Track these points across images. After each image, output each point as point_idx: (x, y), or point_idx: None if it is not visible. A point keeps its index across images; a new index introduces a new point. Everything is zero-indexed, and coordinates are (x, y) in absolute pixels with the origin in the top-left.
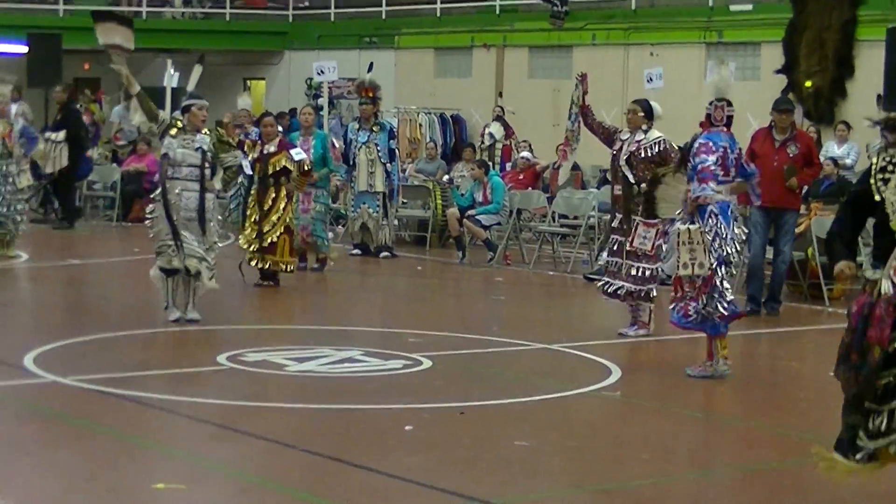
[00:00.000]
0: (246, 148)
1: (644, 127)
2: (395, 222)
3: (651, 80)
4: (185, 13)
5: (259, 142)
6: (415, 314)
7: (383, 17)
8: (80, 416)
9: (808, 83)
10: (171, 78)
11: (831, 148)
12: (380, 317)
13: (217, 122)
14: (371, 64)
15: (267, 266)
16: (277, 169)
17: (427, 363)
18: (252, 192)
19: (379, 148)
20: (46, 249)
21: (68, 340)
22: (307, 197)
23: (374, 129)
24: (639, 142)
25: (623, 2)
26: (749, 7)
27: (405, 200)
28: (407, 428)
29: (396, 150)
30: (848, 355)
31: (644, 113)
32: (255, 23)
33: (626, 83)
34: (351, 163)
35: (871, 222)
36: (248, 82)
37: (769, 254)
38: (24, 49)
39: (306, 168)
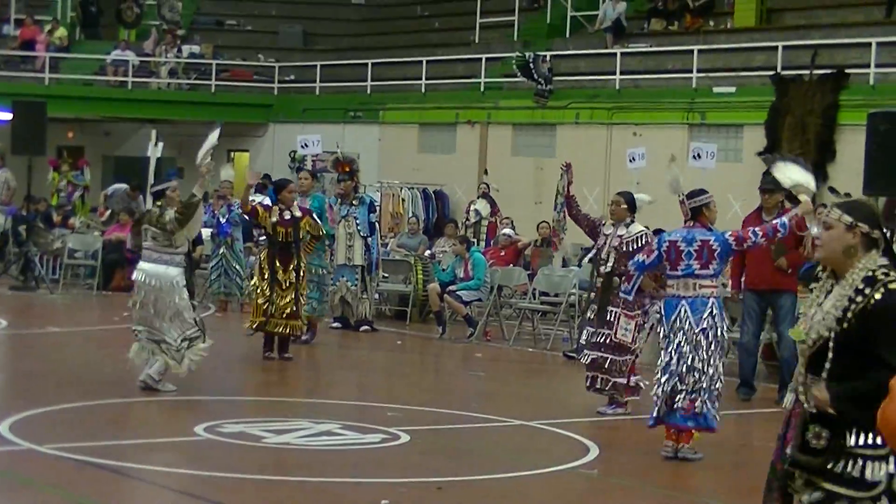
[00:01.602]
0: (259, 214)
1: (627, 220)
2: (376, 296)
3: (633, 159)
4: (170, 84)
5: (272, 207)
6: (394, 388)
7: (368, 91)
8: (56, 484)
9: None
10: (155, 149)
11: (812, 230)
12: (358, 390)
13: (157, 194)
14: (338, 143)
15: (288, 331)
16: (301, 234)
17: (405, 438)
18: (263, 255)
19: (358, 222)
20: (26, 316)
21: (46, 408)
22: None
23: (354, 202)
24: (621, 236)
25: (607, 82)
26: (732, 90)
27: (386, 275)
28: (384, 502)
29: (377, 224)
30: (773, 465)
31: (627, 205)
32: (241, 95)
33: (609, 163)
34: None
35: None
36: (233, 154)
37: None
38: (8, 116)
39: (321, 234)
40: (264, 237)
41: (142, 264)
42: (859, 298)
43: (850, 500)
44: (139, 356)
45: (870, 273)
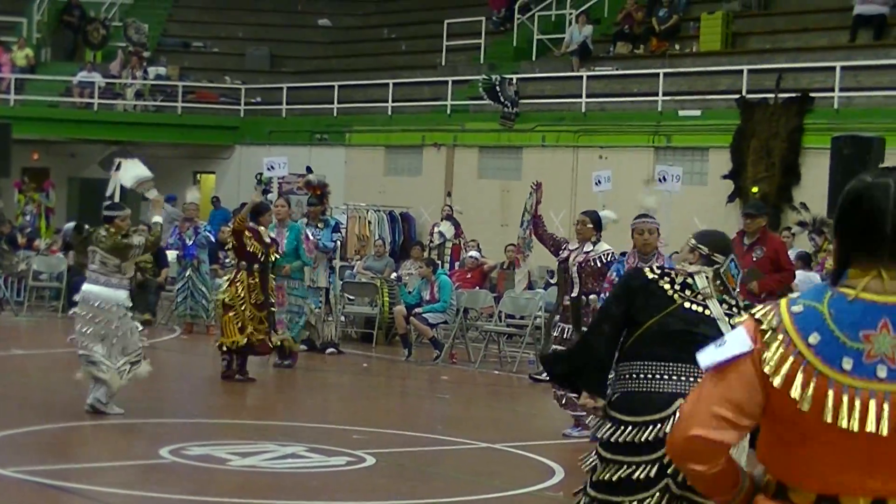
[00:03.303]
0: (245, 236)
1: (593, 239)
2: (342, 319)
3: (599, 182)
4: (136, 106)
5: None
6: (359, 411)
7: (335, 114)
8: None
9: (755, 189)
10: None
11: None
12: (324, 413)
13: (107, 218)
14: (308, 167)
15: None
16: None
17: (371, 460)
18: (250, 278)
19: (321, 244)
20: None
21: (10, 431)
22: (279, 291)
23: (319, 225)
24: (587, 253)
25: (573, 104)
26: (697, 113)
27: (352, 297)
28: None
29: (337, 243)
30: None
31: (593, 224)
32: (207, 117)
33: (575, 185)
34: None
35: None
36: (199, 176)
37: None
38: None
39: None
40: (230, 260)
41: (87, 286)
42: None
43: None
44: (88, 378)
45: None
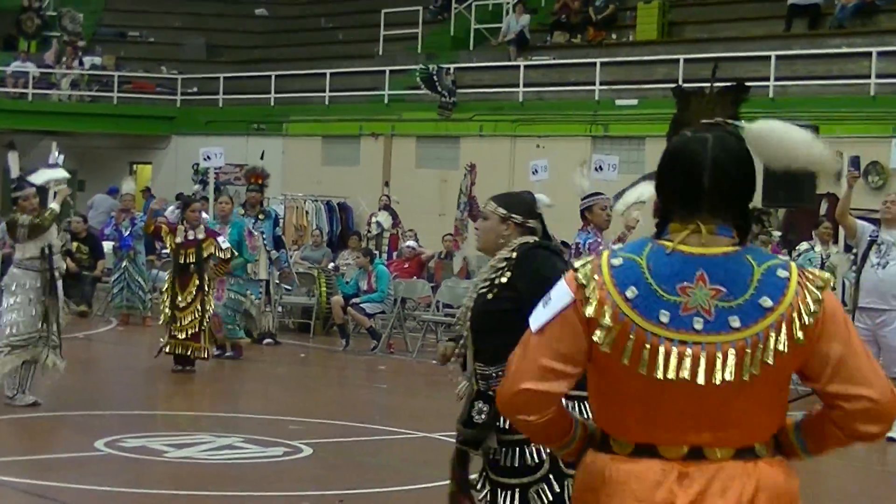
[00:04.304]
0: (163, 234)
1: None
2: (280, 309)
3: (536, 171)
4: (72, 96)
5: (176, 227)
6: (296, 401)
7: (272, 104)
8: None
9: None
10: (56, 160)
11: None
12: (261, 403)
13: (13, 200)
14: (263, 152)
15: (188, 352)
16: (205, 256)
17: (307, 451)
18: (169, 277)
19: (264, 236)
20: None
21: None
22: (221, 286)
23: (260, 216)
24: None
25: (511, 94)
26: (634, 102)
27: (289, 287)
28: None
29: (282, 238)
30: None
31: None
32: (143, 107)
33: (512, 175)
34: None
35: None
36: (135, 166)
37: None
38: None
39: (229, 256)
40: (167, 251)
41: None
42: (503, 264)
43: (519, 488)
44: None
45: (518, 245)
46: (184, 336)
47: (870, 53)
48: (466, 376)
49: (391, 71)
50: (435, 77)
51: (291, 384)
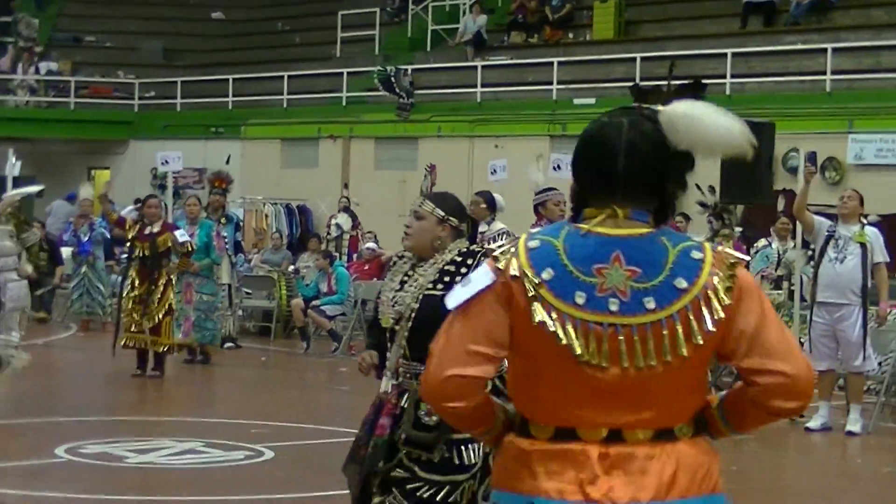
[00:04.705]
0: (127, 226)
1: (487, 219)
2: (240, 312)
3: (495, 171)
4: (29, 101)
5: (140, 221)
6: (258, 405)
7: (230, 107)
8: None
9: None
10: (12, 167)
11: None
12: (222, 407)
13: None
14: (229, 156)
15: (145, 346)
16: (161, 250)
17: (269, 454)
18: (131, 272)
19: (226, 240)
20: None
21: None
22: (189, 288)
23: (222, 220)
24: (482, 233)
25: (468, 94)
26: (592, 101)
27: (249, 291)
28: None
29: (241, 243)
30: (357, 451)
31: (487, 205)
32: (100, 112)
33: (471, 174)
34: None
35: None
36: (93, 171)
37: None
38: None
39: (188, 250)
40: (126, 255)
41: None
42: (455, 268)
43: (450, 485)
44: None
45: (464, 249)
46: (139, 330)
47: (825, 50)
48: (389, 376)
49: (349, 73)
50: (393, 78)
51: (253, 388)
